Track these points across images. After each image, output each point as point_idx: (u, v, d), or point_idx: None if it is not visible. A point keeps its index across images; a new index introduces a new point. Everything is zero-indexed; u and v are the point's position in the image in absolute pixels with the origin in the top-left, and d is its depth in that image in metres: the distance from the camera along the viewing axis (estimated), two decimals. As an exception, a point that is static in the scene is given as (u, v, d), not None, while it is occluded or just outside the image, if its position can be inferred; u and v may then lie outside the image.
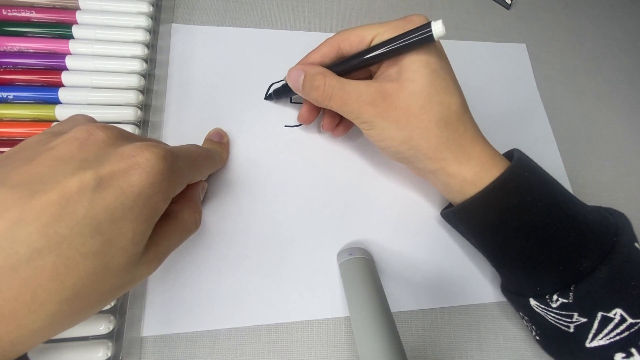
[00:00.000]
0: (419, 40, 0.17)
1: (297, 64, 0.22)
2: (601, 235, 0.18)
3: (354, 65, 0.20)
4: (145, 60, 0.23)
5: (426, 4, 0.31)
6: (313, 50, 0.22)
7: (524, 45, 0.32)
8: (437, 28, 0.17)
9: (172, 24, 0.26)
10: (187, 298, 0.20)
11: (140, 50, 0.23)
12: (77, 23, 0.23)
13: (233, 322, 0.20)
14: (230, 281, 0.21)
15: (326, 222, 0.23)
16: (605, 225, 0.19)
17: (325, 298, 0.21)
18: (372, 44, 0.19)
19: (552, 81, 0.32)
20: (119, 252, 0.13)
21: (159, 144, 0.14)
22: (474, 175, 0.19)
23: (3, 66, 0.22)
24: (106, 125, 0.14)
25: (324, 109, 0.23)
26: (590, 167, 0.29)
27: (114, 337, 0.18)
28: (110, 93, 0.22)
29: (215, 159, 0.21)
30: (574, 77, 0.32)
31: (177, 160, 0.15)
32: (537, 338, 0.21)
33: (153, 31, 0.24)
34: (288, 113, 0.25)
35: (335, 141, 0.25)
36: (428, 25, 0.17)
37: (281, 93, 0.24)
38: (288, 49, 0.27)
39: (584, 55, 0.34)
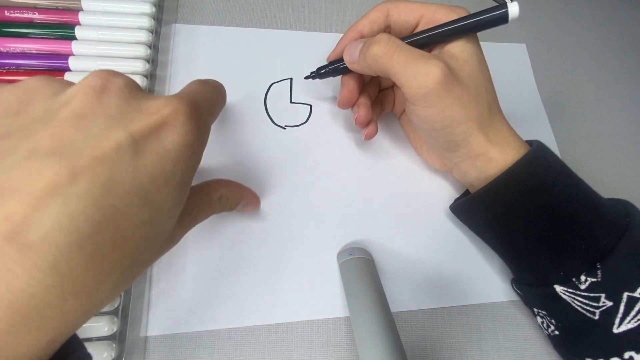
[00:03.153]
0: (495, 18, 0.18)
1: (342, 39, 0.22)
2: (615, 215, 0.19)
3: (422, 40, 0.19)
4: (148, 61, 0.23)
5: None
6: (361, 18, 0.22)
7: (524, 45, 0.32)
8: (513, 9, 0.17)
9: (175, 25, 0.26)
10: (188, 298, 0.20)
11: (143, 51, 0.23)
12: (79, 24, 0.23)
13: (233, 322, 0.20)
14: (230, 281, 0.21)
15: (326, 222, 0.23)
16: (616, 207, 0.19)
17: (325, 298, 0.22)
18: (420, 24, 0.20)
19: (552, 81, 0.32)
20: (166, 218, 0.13)
21: (180, 97, 0.13)
22: (513, 160, 0.19)
23: (6, 67, 0.22)
24: (118, 72, 0.13)
25: (359, 99, 0.22)
26: (590, 167, 0.29)
27: (117, 338, 0.18)
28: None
29: (223, 93, 0.19)
30: (574, 77, 0.32)
31: (201, 114, 0.14)
32: (556, 332, 0.20)
33: (155, 32, 0.24)
34: (289, 113, 0.26)
35: (335, 141, 0.25)
36: (504, 5, 0.18)
37: (326, 74, 0.23)
38: (288, 49, 0.27)
39: (584, 55, 0.34)
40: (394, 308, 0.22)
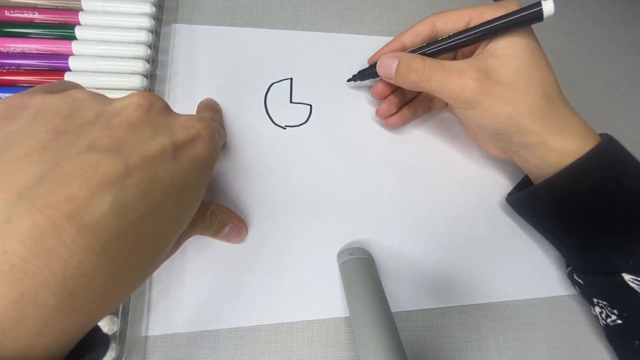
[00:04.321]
0: (529, 17, 0.18)
1: (386, 45, 0.23)
2: None
3: (458, 42, 0.20)
4: (148, 61, 0.23)
5: (427, 3, 0.31)
6: (406, 30, 0.23)
7: (524, 45, 0.32)
8: (548, 6, 0.18)
9: (175, 25, 0.26)
10: (187, 298, 0.20)
11: (143, 51, 0.23)
12: (79, 24, 0.23)
13: (233, 322, 0.20)
14: (230, 281, 0.21)
15: (326, 222, 0.23)
16: None
17: (325, 298, 0.22)
18: (470, 26, 0.20)
19: (553, 81, 0.31)
20: (186, 219, 0.14)
21: (205, 118, 0.16)
22: (577, 148, 0.19)
23: (6, 67, 0.22)
24: (156, 95, 0.15)
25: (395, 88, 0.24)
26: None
27: (117, 338, 0.18)
28: (113, 94, 0.22)
29: (222, 132, 0.22)
30: (574, 77, 0.32)
31: (217, 135, 0.16)
32: (618, 322, 0.20)
33: (155, 32, 0.24)
34: (289, 113, 0.26)
35: (335, 141, 0.25)
36: (539, 3, 0.18)
37: (367, 75, 0.24)
38: (288, 49, 0.27)
39: (584, 55, 0.33)
40: (394, 308, 0.22)
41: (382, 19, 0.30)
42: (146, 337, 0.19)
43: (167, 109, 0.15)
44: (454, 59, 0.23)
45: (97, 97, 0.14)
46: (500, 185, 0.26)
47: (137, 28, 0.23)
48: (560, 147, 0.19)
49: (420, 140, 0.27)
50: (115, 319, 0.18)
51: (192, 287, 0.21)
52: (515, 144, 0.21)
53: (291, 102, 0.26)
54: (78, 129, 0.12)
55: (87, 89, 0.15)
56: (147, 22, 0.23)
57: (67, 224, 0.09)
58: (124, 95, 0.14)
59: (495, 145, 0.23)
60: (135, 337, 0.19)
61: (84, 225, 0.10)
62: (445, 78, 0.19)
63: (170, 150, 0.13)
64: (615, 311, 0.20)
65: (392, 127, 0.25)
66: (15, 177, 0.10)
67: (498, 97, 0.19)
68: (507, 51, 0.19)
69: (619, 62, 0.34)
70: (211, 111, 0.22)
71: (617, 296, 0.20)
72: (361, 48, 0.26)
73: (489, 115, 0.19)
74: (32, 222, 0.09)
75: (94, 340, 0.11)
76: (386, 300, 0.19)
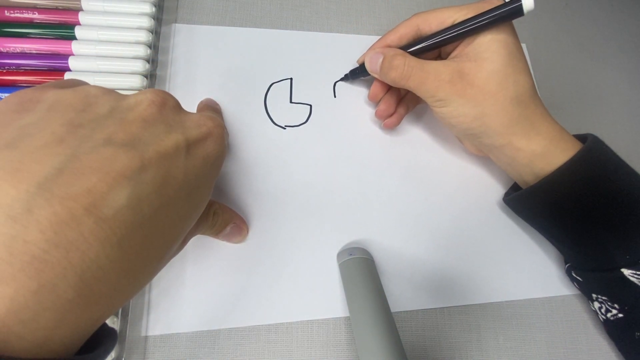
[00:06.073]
0: (510, 12, 0.18)
1: (373, 46, 0.24)
2: None
3: (437, 42, 0.21)
4: (148, 61, 0.23)
5: (427, 3, 0.31)
6: (390, 31, 0.23)
7: (524, 45, 0.32)
8: (527, 2, 0.18)
9: (175, 25, 0.26)
10: (188, 298, 0.20)
11: (143, 51, 0.23)
12: (79, 24, 0.23)
13: (233, 322, 0.20)
14: (230, 281, 0.21)
15: (326, 222, 0.23)
16: None
17: (325, 298, 0.22)
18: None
19: (552, 81, 0.32)
20: (195, 216, 0.14)
21: (215, 117, 0.16)
22: (543, 149, 0.20)
23: (6, 67, 0.22)
24: (168, 92, 0.15)
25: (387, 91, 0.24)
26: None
27: (117, 337, 0.18)
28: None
29: (226, 132, 0.22)
30: (574, 77, 0.32)
31: (224, 134, 0.17)
32: (620, 315, 0.20)
33: (155, 32, 0.24)
34: (289, 113, 0.26)
35: (335, 141, 0.25)
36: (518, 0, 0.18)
37: (357, 74, 0.25)
38: (288, 49, 0.27)
39: (584, 55, 0.33)
40: (394, 308, 0.22)
41: (382, 19, 0.30)
42: (146, 337, 0.19)
43: (179, 106, 0.15)
44: (439, 54, 0.24)
45: (110, 93, 0.14)
46: (500, 185, 0.26)
47: (137, 28, 0.23)
48: (526, 148, 0.20)
49: (420, 140, 0.27)
50: (115, 319, 0.18)
51: (192, 287, 0.21)
52: (486, 144, 0.21)
53: (291, 102, 0.26)
54: (93, 123, 0.12)
55: (98, 85, 0.15)
56: (147, 22, 0.23)
57: (85, 216, 0.09)
58: (136, 92, 0.14)
59: (471, 144, 0.24)
60: (135, 337, 0.19)
61: (101, 218, 0.10)
62: (423, 78, 0.20)
63: (184, 147, 0.13)
64: (616, 305, 0.21)
65: (390, 128, 0.25)
66: (34, 167, 0.10)
67: (469, 98, 0.19)
68: (484, 55, 0.19)
69: (619, 62, 0.34)
70: (212, 111, 0.22)
71: (618, 291, 0.20)
72: (361, 48, 0.26)
73: (458, 115, 0.20)
74: (51, 213, 0.09)
75: (103, 334, 0.11)
76: (386, 300, 0.19)
